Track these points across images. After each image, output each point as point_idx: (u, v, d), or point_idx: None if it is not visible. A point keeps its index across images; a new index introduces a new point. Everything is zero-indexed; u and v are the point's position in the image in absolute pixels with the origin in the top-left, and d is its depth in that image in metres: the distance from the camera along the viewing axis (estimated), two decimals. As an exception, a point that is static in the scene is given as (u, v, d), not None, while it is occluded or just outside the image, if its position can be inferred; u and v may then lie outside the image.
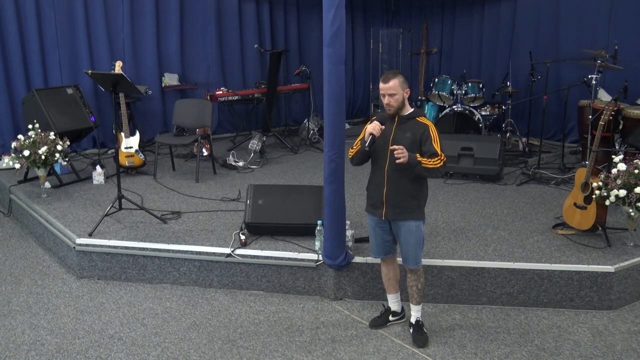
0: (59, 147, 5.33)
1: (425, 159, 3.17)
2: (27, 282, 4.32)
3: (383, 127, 3.22)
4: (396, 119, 3.28)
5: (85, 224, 4.67)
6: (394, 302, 3.70)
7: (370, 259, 3.93)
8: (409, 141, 3.21)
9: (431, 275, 3.94)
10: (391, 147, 3.15)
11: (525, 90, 7.24)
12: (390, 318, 3.71)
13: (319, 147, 7.58)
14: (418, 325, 3.53)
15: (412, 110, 3.30)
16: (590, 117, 5.82)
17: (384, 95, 3.22)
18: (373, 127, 3.19)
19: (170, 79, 7.82)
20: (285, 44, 8.95)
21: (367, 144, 3.20)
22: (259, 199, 4.41)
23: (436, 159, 3.18)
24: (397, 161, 3.10)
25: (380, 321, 3.69)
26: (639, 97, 6.31)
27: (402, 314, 3.73)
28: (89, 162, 6.62)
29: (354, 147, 3.36)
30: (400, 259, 3.49)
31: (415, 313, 3.54)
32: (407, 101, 3.27)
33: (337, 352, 3.42)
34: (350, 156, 3.41)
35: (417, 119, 3.28)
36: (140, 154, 6.20)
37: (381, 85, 3.21)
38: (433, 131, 3.24)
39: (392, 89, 3.18)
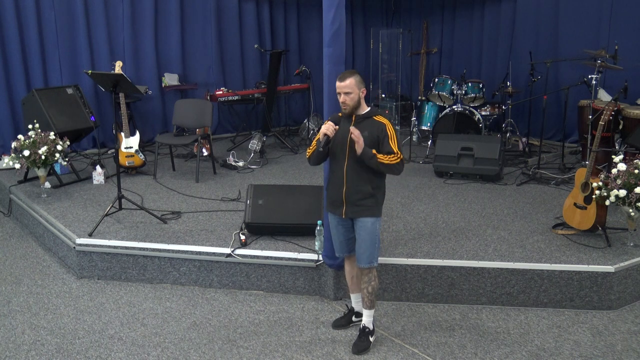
0: (59, 147, 5.34)
1: (381, 155, 3.18)
2: (27, 282, 4.32)
3: (337, 127, 3.23)
4: (353, 119, 3.28)
5: (85, 224, 4.67)
6: (357, 302, 3.67)
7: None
8: (366, 140, 3.21)
9: (431, 275, 3.94)
10: (351, 128, 3.16)
11: (525, 90, 7.25)
12: (354, 319, 3.69)
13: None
14: (364, 331, 3.45)
15: (368, 109, 3.31)
16: (590, 117, 5.82)
17: (339, 94, 3.23)
18: (327, 128, 3.20)
19: (170, 79, 7.82)
20: (285, 44, 8.95)
21: (321, 145, 3.23)
22: (259, 199, 4.41)
23: (392, 156, 3.19)
24: (354, 138, 3.14)
25: (343, 322, 3.68)
26: (639, 97, 6.31)
27: None
28: (89, 162, 6.63)
29: (311, 148, 3.37)
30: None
31: (365, 318, 3.45)
32: (363, 101, 3.28)
33: (337, 352, 3.42)
34: (307, 156, 3.43)
35: (375, 117, 3.28)
36: (140, 154, 6.20)
37: (337, 83, 3.23)
38: (390, 129, 3.23)
39: (348, 88, 3.19)
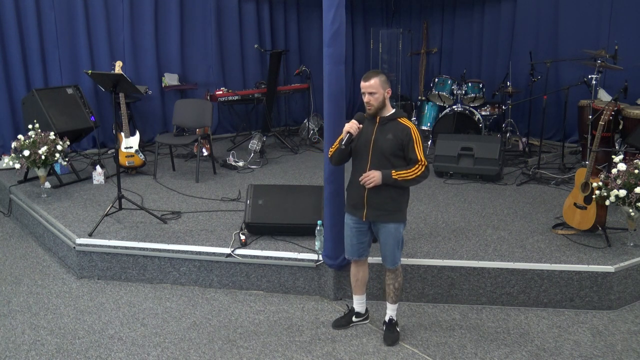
0: (59, 147, 5.33)
1: (403, 172, 3.17)
2: (27, 282, 4.32)
3: (361, 125, 3.21)
4: (377, 120, 3.26)
5: (85, 224, 4.67)
6: (359, 303, 3.70)
7: (370, 259, 3.92)
8: (390, 143, 3.20)
9: (431, 275, 3.94)
10: (359, 179, 3.21)
11: (525, 90, 7.25)
12: (354, 319, 3.71)
13: (319, 147, 7.59)
14: (391, 323, 3.55)
15: (393, 111, 3.27)
16: (590, 117, 5.82)
17: (364, 94, 3.21)
18: (350, 126, 3.18)
19: (170, 79, 7.82)
20: (285, 44, 8.95)
21: (343, 142, 3.21)
22: (259, 199, 4.41)
23: (415, 166, 3.17)
24: (367, 186, 3.18)
25: (344, 322, 3.70)
26: (639, 97, 6.31)
27: (366, 315, 3.74)
28: (89, 162, 6.62)
29: (334, 146, 3.35)
30: (380, 259, 3.51)
31: (390, 312, 3.55)
32: (388, 102, 3.25)
33: (337, 352, 3.42)
34: (329, 155, 3.42)
35: (399, 120, 3.25)
36: (140, 154, 6.20)
37: (362, 83, 3.20)
38: (415, 133, 3.20)
39: (373, 87, 3.16)
